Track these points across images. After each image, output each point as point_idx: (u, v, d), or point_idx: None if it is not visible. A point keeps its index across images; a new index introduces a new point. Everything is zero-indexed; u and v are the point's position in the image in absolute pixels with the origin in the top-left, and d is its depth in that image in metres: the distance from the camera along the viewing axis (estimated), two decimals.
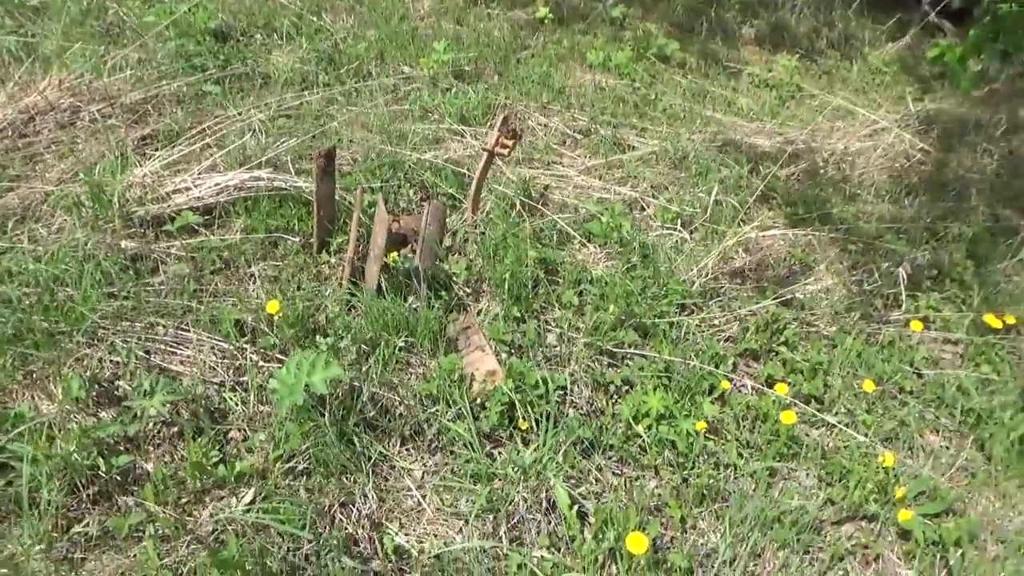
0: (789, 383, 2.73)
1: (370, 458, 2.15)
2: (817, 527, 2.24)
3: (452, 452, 2.25)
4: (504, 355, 2.57)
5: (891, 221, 3.79)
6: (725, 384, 2.55)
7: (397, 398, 2.33)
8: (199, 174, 2.93)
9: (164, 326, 2.36)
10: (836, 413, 2.68)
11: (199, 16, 4.37)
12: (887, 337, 3.00)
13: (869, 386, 2.62)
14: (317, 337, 2.37)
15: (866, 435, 2.57)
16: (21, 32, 3.88)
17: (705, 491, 2.25)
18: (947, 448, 2.65)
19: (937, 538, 2.23)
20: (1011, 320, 3.04)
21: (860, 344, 2.91)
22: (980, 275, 3.38)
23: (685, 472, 2.31)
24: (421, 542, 2.02)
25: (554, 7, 5.64)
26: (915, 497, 2.36)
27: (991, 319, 3.02)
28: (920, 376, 2.91)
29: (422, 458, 2.24)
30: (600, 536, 2.03)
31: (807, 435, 2.56)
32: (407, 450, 2.25)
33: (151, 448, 2.06)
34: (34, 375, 2.11)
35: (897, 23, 6.32)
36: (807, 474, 2.43)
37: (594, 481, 2.26)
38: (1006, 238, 3.69)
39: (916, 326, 2.95)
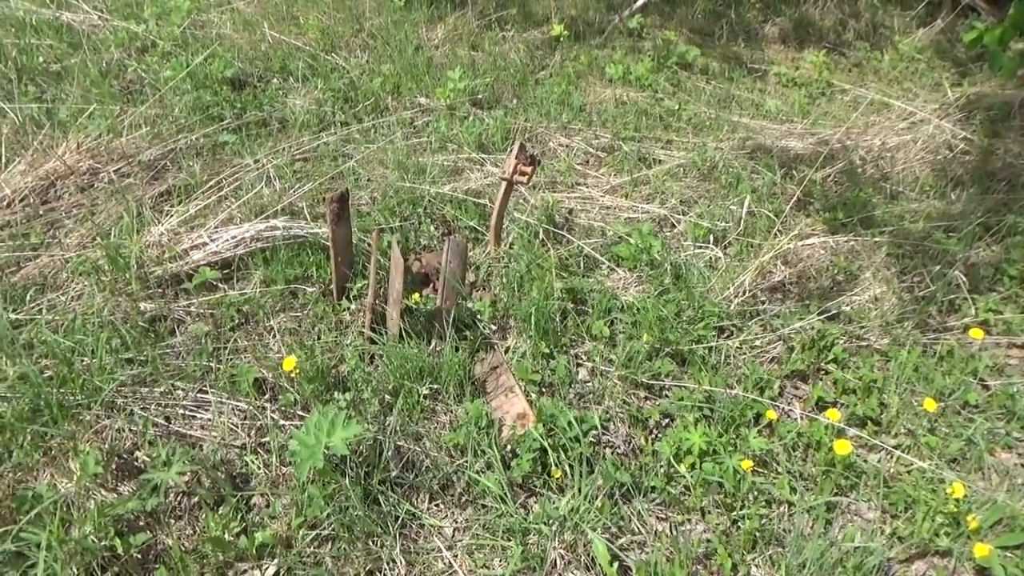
0: (841, 405, 2.56)
1: (397, 518, 2.04)
2: (884, 568, 2.06)
3: (483, 506, 2.13)
4: (534, 395, 2.46)
5: (939, 219, 3.57)
6: (770, 414, 2.38)
7: (423, 451, 2.22)
8: (215, 228, 2.90)
9: (184, 390, 2.31)
10: (895, 435, 2.49)
11: (215, 66, 4.39)
12: (945, 347, 2.79)
13: (930, 405, 2.42)
14: (335, 393, 2.28)
15: (930, 459, 2.38)
16: (43, 98, 3.95)
17: (757, 534, 2.09)
18: (1022, 467, 2.43)
19: (1020, 573, 2.03)
20: None
21: (916, 356, 2.71)
22: None
23: (734, 514, 2.16)
24: None
25: (569, 23, 5.56)
26: (991, 527, 2.16)
27: None
28: (986, 387, 2.70)
29: (452, 514, 2.12)
30: None
31: (865, 461, 2.38)
32: (436, 506, 2.15)
33: (172, 521, 1.99)
34: (52, 452, 2.07)
35: (928, 6, 6.07)
36: (869, 507, 2.25)
37: (636, 529, 2.11)
38: None
39: (976, 333, 2.74)
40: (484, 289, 2.99)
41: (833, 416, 2.37)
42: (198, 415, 2.26)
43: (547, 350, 2.62)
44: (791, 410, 2.56)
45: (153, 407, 2.24)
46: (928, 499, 2.18)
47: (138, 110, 3.82)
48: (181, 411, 2.25)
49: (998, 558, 2.02)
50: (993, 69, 3.26)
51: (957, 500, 2.13)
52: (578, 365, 2.64)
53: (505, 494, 2.08)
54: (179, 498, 2.04)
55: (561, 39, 5.37)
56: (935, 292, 2.99)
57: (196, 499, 2.04)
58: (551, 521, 2.02)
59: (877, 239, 3.34)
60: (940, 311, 2.99)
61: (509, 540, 2.03)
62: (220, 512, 1.98)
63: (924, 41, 5.86)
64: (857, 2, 6.37)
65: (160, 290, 2.69)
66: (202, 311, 2.63)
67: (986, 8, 5.90)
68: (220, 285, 2.76)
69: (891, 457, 2.40)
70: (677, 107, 4.59)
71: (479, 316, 2.76)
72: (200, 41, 4.89)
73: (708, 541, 2.09)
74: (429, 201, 3.43)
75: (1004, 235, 3.43)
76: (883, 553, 2.03)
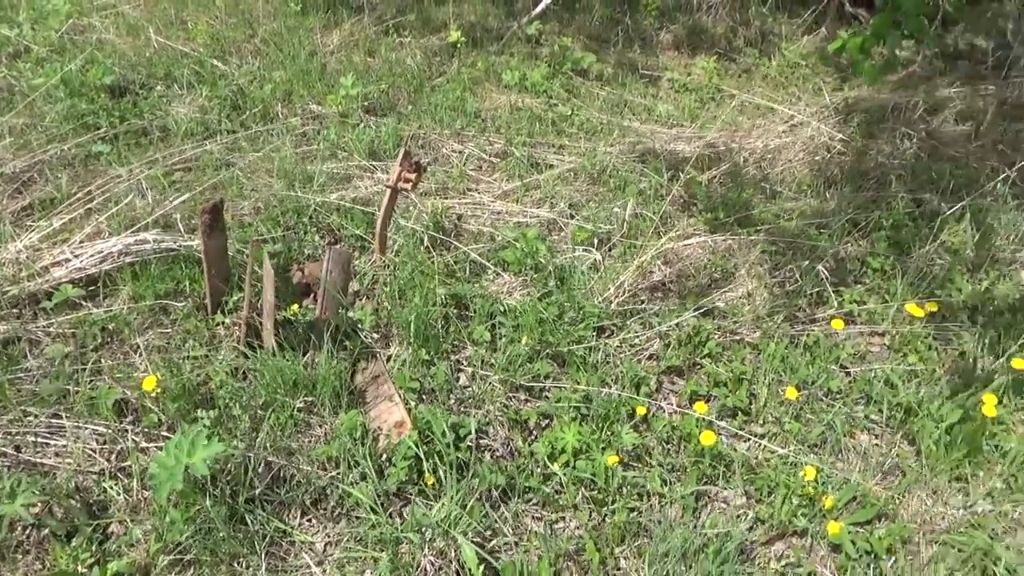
0: (714, 398, 2.66)
1: (265, 536, 2.00)
2: (747, 550, 2.15)
3: (357, 518, 2.11)
4: (413, 403, 2.45)
5: (813, 217, 3.75)
6: (641, 410, 2.45)
7: (294, 465, 2.18)
8: (80, 243, 2.77)
9: (36, 415, 2.19)
10: (763, 423, 2.61)
11: (92, 73, 4.20)
12: (812, 338, 2.93)
13: (791, 393, 2.55)
14: (199, 411, 2.22)
15: (793, 443, 2.50)
16: None
17: (625, 527, 2.14)
18: (878, 446, 2.58)
19: (869, 547, 2.15)
20: (933, 308, 3.00)
21: (784, 348, 2.85)
22: (903, 263, 3.35)
23: (605, 509, 2.21)
24: None
25: (468, 30, 5.57)
26: (845, 505, 2.28)
27: (913, 308, 2.98)
28: (848, 374, 2.86)
29: (324, 528, 2.10)
30: None
31: (735, 450, 2.48)
32: (308, 521, 2.11)
33: (19, 556, 1.89)
34: None
35: (813, 15, 6.37)
36: (735, 494, 2.34)
37: (510, 531, 2.13)
38: (928, 221, 3.67)
39: (837, 324, 2.90)
40: (368, 298, 2.97)
41: (700, 409, 2.46)
42: (52, 442, 2.15)
43: (427, 357, 2.62)
44: (667, 405, 2.64)
45: (0, 436, 2.12)
46: (787, 482, 2.29)
47: (3, 119, 3.62)
48: (32, 439, 2.14)
49: (848, 534, 2.14)
50: (857, 75, 3.45)
51: (813, 482, 2.25)
52: (459, 370, 2.65)
53: (377, 504, 2.06)
54: (27, 531, 1.94)
55: (459, 45, 5.38)
56: (803, 286, 3.14)
57: (46, 531, 1.94)
58: (423, 529, 2.02)
59: (753, 237, 3.49)
60: (809, 304, 3.14)
61: (381, 551, 2.01)
62: (72, 544, 1.89)
63: (808, 48, 6.15)
64: (747, 11, 6.63)
65: (16, 310, 2.55)
66: (62, 331, 2.51)
67: (867, 17, 6.24)
68: (84, 303, 2.64)
69: (758, 445, 2.50)
70: (570, 112, 4.67)
71: (360, 325, 2.73)
72: (79, 46, 4.68)
73: (580, 537, 2.13)
74: (315, 210, 3.38)
75: (871, 230, 3.64)
76: (743, 536, 2.12)
